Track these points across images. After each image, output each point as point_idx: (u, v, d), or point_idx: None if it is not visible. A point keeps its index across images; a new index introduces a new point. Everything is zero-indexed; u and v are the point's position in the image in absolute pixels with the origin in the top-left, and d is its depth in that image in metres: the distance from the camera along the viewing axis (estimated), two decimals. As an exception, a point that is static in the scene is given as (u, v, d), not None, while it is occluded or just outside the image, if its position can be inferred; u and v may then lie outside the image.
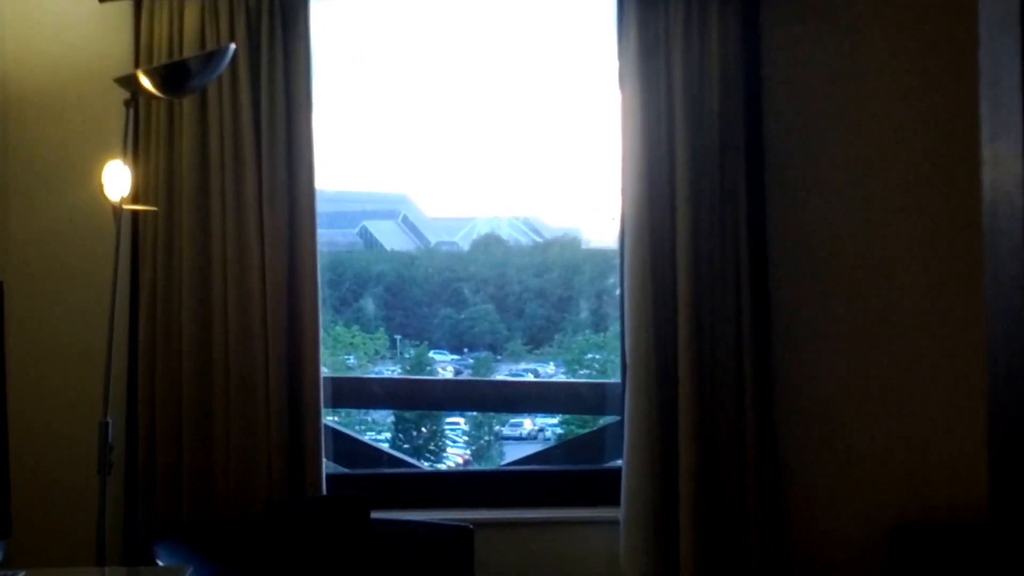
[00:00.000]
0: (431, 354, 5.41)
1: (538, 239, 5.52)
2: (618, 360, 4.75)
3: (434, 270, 5.49)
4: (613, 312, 5.12)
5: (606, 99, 4.70)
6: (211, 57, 3.99)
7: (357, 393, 5.28)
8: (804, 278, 4.67)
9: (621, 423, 4.61)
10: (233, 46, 4.08)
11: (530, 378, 5.47)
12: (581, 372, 5.41)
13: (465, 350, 5.45)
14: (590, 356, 5.40)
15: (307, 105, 4.50)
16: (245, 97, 4.45)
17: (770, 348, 4.57)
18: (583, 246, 5.44)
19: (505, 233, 5.47)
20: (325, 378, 4.60)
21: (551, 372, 5.44)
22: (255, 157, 4.45)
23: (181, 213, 4.47)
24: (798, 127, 4.67)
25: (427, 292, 5.44)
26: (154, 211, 4.43)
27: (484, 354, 5.44)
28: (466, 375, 5.47)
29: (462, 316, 5.39)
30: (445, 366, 5.47)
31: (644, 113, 4.50)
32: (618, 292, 4.77)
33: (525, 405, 5.48)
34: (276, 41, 4.45)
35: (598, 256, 5.33)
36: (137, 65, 4.40)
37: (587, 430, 5.33)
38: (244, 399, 4.42)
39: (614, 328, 5.05)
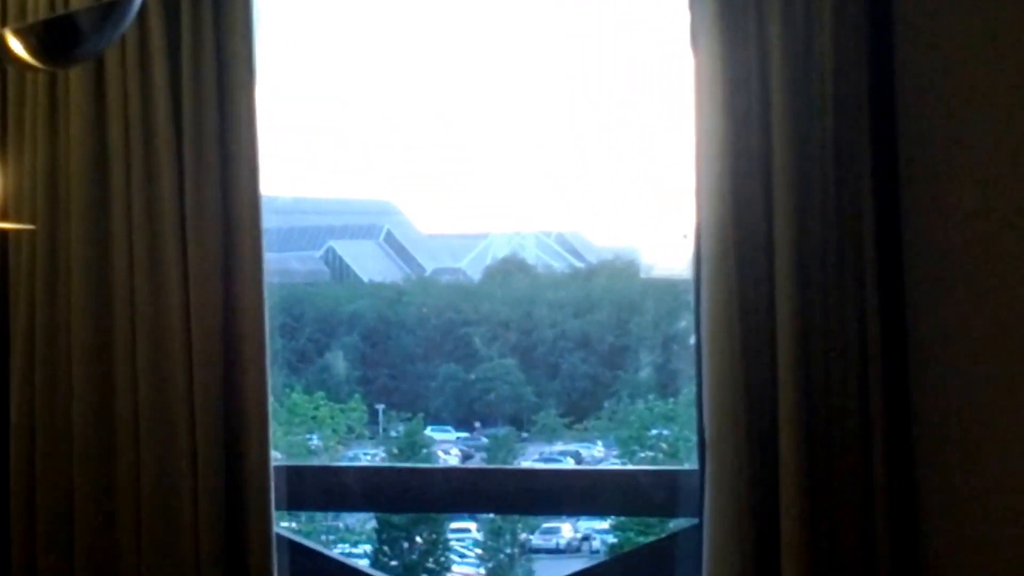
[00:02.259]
0: (428, 431, 5.17)
1: (579, 264, 5.28)
2: (694, 438, 4.27)
3: (431, 310, 5.22)
4: (687, 369, 4.72)
5: (673, 67, 4.17)
6: (109, 10, 3.34)
7: (323, 489, 4.77)
8: (955, 316, 4.06)
9: (699, 528, 4.12)
10: (142, -7, 3.70)
11: (570, 464, 5.18)
12: (642, 455, 5.09)
13: (477, 425, 5.25)
14: (655, 432, 5.10)
15: (248, 79, 4.05)
16: (159, 67, 4.04)
17: (910, 418, 4.00)
18: (642, 274, 5.18)
19: (532, 256, 5.24)
20: (277, 467, 4.18)
21: (599, 455, 5.18)
22: (174, 152, 4.04)
23: (69, 232, 4.08)
24: (945, 108, 4.07)
25: (421, 341, 5.21)
26: (31, 230, 4.08)
27: (504, 431, 5.22)
28: (478, 461, 5.23)
29: (472, 376, 5.17)
30: (448, 448, 5.27)
31: (727, 86, 3.97)
32: (693, 340, 4.29)
33: (563, 504, 4.90)
34: (203, -12, 4.11)
35: (664, 288, 5.04)
36: (4, 22, 4.04)
37: (651, 538, 4.89)
38: (161, 499, 4.02)
39: (688, 392, 4.67)
